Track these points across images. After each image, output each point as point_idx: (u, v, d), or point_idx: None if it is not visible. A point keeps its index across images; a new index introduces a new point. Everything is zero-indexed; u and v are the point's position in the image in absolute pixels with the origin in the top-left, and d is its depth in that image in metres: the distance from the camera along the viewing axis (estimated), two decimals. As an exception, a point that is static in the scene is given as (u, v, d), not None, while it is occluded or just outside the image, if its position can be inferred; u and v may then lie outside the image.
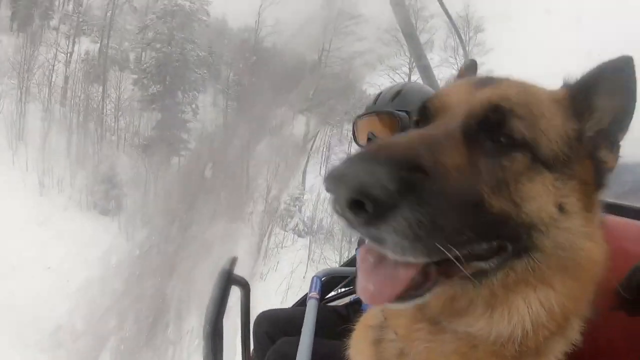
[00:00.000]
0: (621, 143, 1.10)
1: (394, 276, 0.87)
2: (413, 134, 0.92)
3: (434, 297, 1.00)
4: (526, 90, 1.04)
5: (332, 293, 3.32)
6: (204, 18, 33.99)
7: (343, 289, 3.34)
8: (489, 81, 1.08)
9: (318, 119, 31.42)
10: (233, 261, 2.37)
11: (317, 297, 2.55)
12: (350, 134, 2.74)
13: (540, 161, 0.96)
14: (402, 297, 0.87)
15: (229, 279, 2.32)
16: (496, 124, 0.95)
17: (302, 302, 3.10)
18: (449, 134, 0.93)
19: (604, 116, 1.06)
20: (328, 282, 3.13)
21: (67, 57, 33.20)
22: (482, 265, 0.95)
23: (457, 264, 0.85)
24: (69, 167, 27.77)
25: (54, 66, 32.35)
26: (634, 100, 1.05)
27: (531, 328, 0.98)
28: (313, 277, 2.88)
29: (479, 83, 1.08)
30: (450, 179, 0.84)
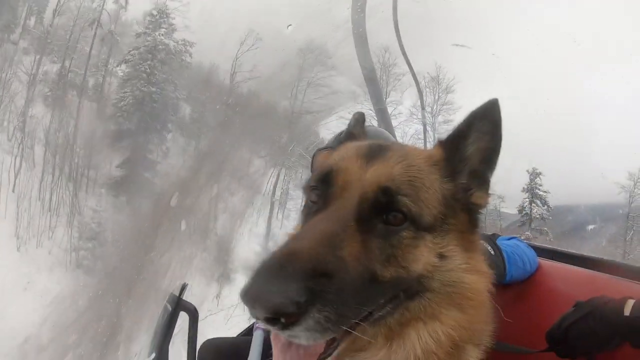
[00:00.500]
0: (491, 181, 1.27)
1: (307, 351, 1.04)
2: (315, 231, 1.04)
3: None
4: (408, 163, 1.21)
5: None
6: (188, 60, 33.54)
7: None
8: (377, 153, 1.24)
9: (275, 162, 31.29)
10: (183, 287, 2.46)
11: (264, 327, 2.58)
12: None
13: (423, 229, 1.15)
14: None
15: (177, 305, 2.40)
16: (385, 205, 1.13)
17: (249, 332, 3.10)
18: (345, 224, 1.07)
19: (474, 158, 1.24)
20: None
21: (30, 78, 31.41)
22: (379, 313, 1.14)
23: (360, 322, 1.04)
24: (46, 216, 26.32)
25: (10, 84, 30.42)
26: (499, 138, 1.22)
27: (423, 356, 1.15)
28: None
29: (368, 155, 1.23)
30: (350, 270, 1.00)
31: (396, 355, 1.16)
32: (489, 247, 2.02)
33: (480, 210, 1.29)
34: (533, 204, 25.81)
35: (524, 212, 26.03)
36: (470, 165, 1.26)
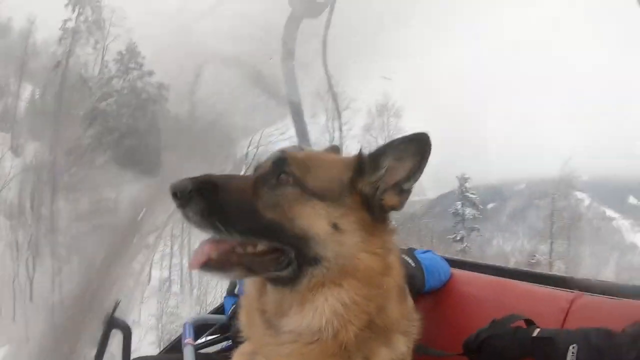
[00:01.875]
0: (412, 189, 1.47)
1: (202, 251, 1.32)
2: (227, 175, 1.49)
3: (269, 306, 1.43)
4: (313, 153, 1.57)
5: (201, 340, 3.27)
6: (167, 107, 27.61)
7: (212, 337, 3.33)
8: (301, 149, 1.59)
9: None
10: (116, 305, 2.48)
11: (193, 343, 2.66)
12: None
13: (310, 193, 1.36)
14: (208, 266, 1.32)
15: (110, 323, 2.42)
16: (278, 169, 1.40)
17: (173, 348, 3.15)
18: (247, 178, 1.45)
19: (395, 173, 1.44)
20: (197, 328, 3.14)
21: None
22: (279, 273, 1.35)
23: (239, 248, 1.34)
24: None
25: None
26: (424, 163, 1.42)
27: (334, 319, 1.30)
28: (185, 324, 2.93)
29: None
30: (233, 192, 1.34)
31: (307, 320, 1.32)
32: (410, 260, 2.22)
33: (387, 209, 1.47)
34: (465, 207, 28.67)
35: (457, 215, 28.72)
36: (392, 177, 1.46)
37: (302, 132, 3.60)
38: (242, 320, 1.57)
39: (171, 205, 1.33)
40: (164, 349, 3.37)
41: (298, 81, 3.59)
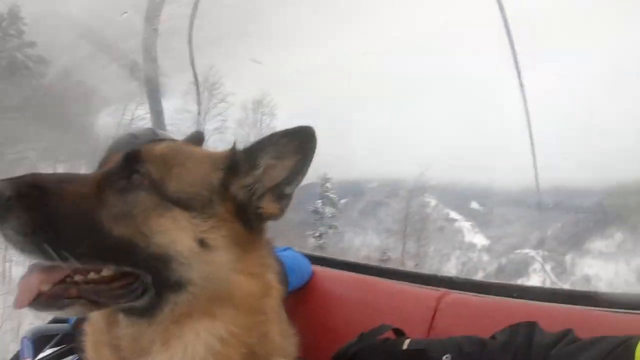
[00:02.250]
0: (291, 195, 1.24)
1: (29, 283, 1.00)
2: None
3: (124, 341, 1.13)
4: (175, 147, 1.23)
5: (41, 355, 2.77)
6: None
7: (52, 350, 2.78)
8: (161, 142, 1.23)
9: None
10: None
11: (29, 337, 2.34)
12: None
13: (171, 200, 1.09)
14: (39, 303, 1.00)
15: None
16: (129, 167, 1.10)
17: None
18: (88, 177, 1.12)
19: (274, 173, 1.20)
20: (37, 341, 2.73)
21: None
22: (132, 304, 1.07)
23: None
24: None
25: None
26: (308, 163, 1.19)
27: (210, 358, 1.06)
28: (23, 339, 2.54)
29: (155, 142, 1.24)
30: (67, 200, 1.02)
31: (179, 358, 1.06)
32: None
33: (265, 219, 1.23)
34: (325, 206, 30.13)
35: (317, 213, 30.13)
36: (270, 179, 1.22)
37: (156, 112, 3.20)
38: (90, 354, 1.23)
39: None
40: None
41: (158, 56, 3.23)
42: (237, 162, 1.20)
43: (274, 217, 1.22)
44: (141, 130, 2.79)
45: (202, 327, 1.07)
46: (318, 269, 2.45)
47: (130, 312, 1.11)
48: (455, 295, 2.08)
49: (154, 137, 2.61)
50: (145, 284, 1.06)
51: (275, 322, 1.22)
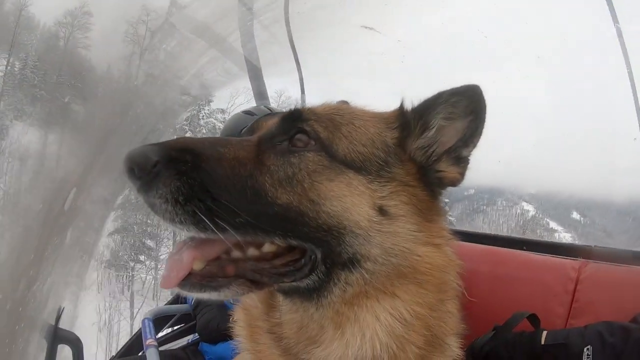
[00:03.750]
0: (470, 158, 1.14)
1: (179, 260, 0.89)
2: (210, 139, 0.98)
3: (287, 328, 1.03)
4: (339, 106, 1.10)
5: (162, 334, 2.97)
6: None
7: (172, 329, 3.04)
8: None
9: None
10: (59, 313, 2.03)
11: (155, 343, 2.31)
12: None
13: (342, 162, 0.97)
14: (190, 282, 0.89)
15: (54, 338, 1.98)
16: (291, 126, 1.00)
17: (129, 350, 2.81)
18: (243, 141, 1.00)
19: (447, 135, 1.09)
20: (157, 321, 2.83)
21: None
22: (297, 284, 0.95)
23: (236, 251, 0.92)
24: None
25: None
26: (481, 122, 1.08)
27: (392, 343, 0.94)
28: (144, 320, 2.54)
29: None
30: (224, 164, 0.91)
31: (354, 347, 0.93)
32: None
33: (445, 184, 1.11)
34: None
35: None
36: (442, 138, 1.10)
37: (260, 93, 3.23)
38: (241, 333, 1.15)
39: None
40: (119, 351, 2.90)
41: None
42: (409, 122, 1.09)
43: (455, 182, 1.11)
44: (255, 108, 2.85)
45: (381, 309, 0.95)
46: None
47: (293, 293, 1.00)
48: (596, 265, 1.99)
49: (268, 112, 2.66)
50: (314, 260, 0.94)
51: (454, 299, 1.10)
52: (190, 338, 2.91)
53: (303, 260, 0.94)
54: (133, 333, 2.98)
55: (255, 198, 0.90)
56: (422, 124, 1.09)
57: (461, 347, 1.18)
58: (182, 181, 0.85)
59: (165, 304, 3.18)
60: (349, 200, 0.94)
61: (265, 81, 3.26)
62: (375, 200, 0.96)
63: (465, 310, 1.98)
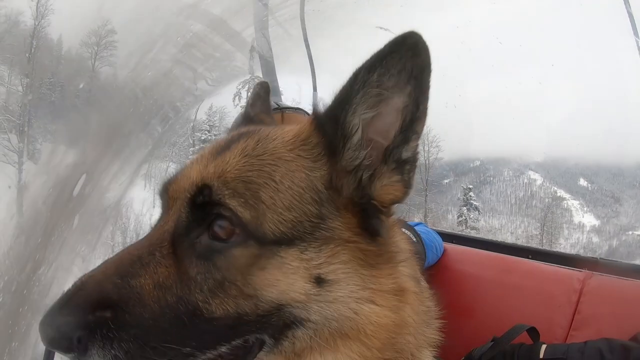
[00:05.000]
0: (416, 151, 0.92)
1: None
2: (117, 256, 0.90)
3: None
4: (255, 153, 0.93)
5: None
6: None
7: None
8: (228, 145, 0.98)
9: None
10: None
11: None
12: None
13: (272, 242, 0.86)
14: None
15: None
16: (206, 212, 0.87)
17: None
18: (155, 246, 0.89)
19: (380, 130, 0.90)
20: None
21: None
22: None
23: None
24: None
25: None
26: (420, 94, 0.84)
27: None
28: None
29: (217, 151, 0.98)
30: (148, 302, 0.82)
31: None
32: (411, 235, 1.94)
33: (390, 203, 0.95)
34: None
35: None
36: (374, 139, 0.90)
37: (273, 89, 3.23)
38: None
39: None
40: None
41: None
42: (330, 136, 0.91)
43: (399, 198, 0.94)
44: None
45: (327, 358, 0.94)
46: (448, 246, 2.39)
47: None
48: (601, 277, 1.98)
49: (275, 107, 2.51)
50: (260, 340, 0.92)
51: (418, 325, 1.04)
52: None
53: (251, 343, 0.91)
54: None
55: (193, 319, 0.84)
56: (341, 132, 0.90)
57: (459, 356, 1.19)
58: (115, 347, 0.79)
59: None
60: (284, 283, 0.87)
61: (277, 77, 3.27)
62: (311, 272, 0.88)
63: (468, 316, 1.98)
